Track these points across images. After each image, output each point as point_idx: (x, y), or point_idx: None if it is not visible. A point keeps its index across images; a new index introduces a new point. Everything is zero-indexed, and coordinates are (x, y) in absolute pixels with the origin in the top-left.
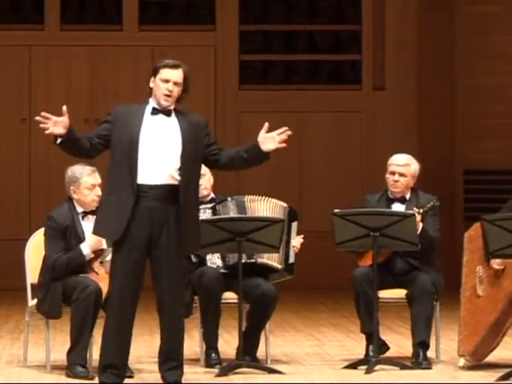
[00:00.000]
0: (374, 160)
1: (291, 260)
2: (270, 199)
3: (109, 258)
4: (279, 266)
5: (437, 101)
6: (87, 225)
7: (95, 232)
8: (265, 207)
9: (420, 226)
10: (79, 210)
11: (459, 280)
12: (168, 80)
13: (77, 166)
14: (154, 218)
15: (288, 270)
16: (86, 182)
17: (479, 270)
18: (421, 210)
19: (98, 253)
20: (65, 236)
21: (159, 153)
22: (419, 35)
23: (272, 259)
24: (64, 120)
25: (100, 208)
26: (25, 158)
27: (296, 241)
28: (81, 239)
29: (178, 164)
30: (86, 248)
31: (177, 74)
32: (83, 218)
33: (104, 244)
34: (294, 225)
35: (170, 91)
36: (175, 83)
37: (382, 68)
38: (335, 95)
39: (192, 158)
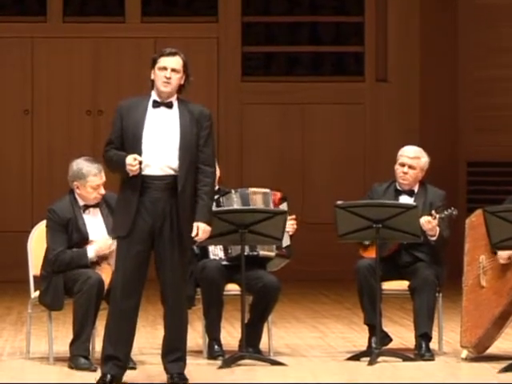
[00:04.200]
0: (376, 151)
1: (285, 243)
2: (256, 189)
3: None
4: (272, 254)
5: (439, 92)
6: (89, 218)
7: (112, 231)
8: (259, 199)
9: (437, 231)
10: (81, 203)
11: (462, 271)
12: (165, 67)
13: (83, 162)
14: (157, 209)
15: (285, 254)
16: (93, 181)
17: (482, 259)
18: (437, 216)
19: (104, 256)
20: (66, 229)
21: (160, 145)
22: (422, 27)
23: (267, 248)
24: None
25: (115, 206)
26: (27, 149)
27: (288, 223)
28: (82, 232)
29: (177, 155)
30: (92, 252)
31: (174, 61)
32: (84, 211)
33: (113, 247)
34: (284, 206)
35: (167, 78)
36: (173, 70)
37: (384, 60)
38: (338, 87)
39: (192, 149)
